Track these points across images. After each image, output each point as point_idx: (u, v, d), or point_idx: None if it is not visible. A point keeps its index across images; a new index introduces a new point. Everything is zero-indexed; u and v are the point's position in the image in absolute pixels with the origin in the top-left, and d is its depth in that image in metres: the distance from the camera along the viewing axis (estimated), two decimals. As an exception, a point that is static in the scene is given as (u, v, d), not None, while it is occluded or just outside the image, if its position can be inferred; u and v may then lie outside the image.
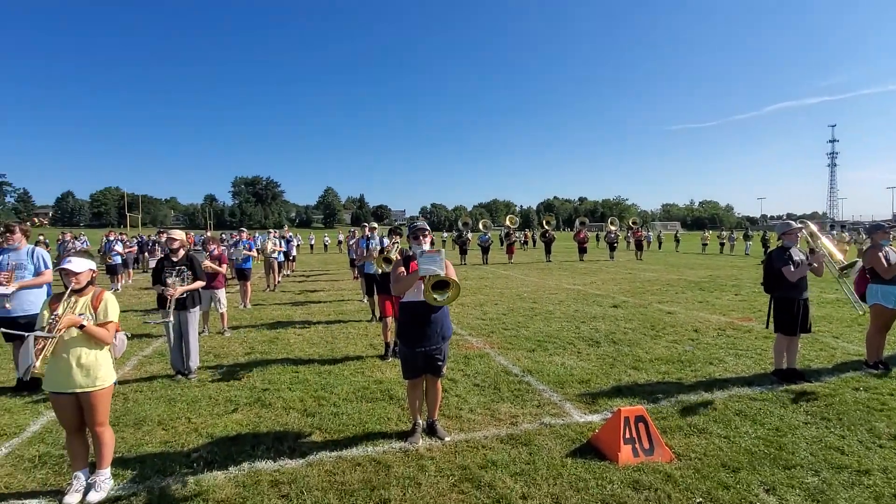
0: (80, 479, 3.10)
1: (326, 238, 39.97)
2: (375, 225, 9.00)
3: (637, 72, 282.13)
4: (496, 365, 5.91)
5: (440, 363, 3.83)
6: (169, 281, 5.37)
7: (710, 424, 4.06)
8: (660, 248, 36.11)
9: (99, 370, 3.06)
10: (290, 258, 17.83)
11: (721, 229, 57.19)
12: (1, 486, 3.22)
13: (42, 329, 2.92)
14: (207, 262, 7.22)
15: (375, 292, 7.21)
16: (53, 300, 3.07)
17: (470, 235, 24.38)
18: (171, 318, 5.40)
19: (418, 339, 3.72)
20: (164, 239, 12.38)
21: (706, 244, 33.09)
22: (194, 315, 5.65)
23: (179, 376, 5.45)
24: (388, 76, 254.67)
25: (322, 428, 4.11)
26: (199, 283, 5.63)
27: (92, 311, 3.07)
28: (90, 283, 3.16)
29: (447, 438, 3.86)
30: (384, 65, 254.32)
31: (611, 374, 5.55)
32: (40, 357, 2.83)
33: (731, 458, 3.47)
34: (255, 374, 5.62)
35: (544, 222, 25.71)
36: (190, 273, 5.54)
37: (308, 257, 29.89)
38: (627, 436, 3.45)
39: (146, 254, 18.63)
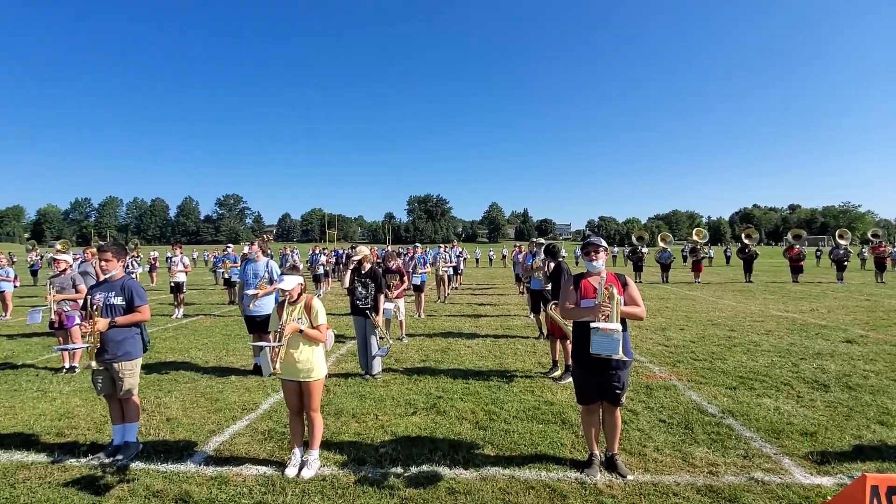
0: (296, 455, 3.68)
1: (492, 252, 41.22)
2: (542, 241, 8.85)
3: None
4: (686, 400, 5.16)
5: (619, 391, 3.47)
6: (361, 291, 6.12)
7: None
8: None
9: (314, 364, 3.66)
10: (459, 272, 18.77)
11: None
12: (242, 452, 3.99)
13: (274, 333, 3.59)
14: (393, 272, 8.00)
15: (543, 309, 7.04)
16: (279, 307, 3.74)
17: (646, 250, 22.26)
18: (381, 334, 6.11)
19: (594, 362, 3.44)
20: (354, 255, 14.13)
21: None
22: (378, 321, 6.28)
23: (368, 376, 6.11)
24: (550, 85, 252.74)
25: (493, 443, 4.10)
26: (381, 296, 6.21)
27: (306, 316, 3.66)
28: (301, 293, 3.75)
29: (629, 477, 3.47)
30: (543, 78, 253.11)
31: (846, 427, 4.35)
32: (276, 361, 3.49)
33: None
34: (430, 381, 5.96)
35: (744, 236, 21.80)
36: (373, 284, 6.18)
37: (474, 271, 31.20)
38: (879, 513, 2.59)
39: (341, 266, 21.75)
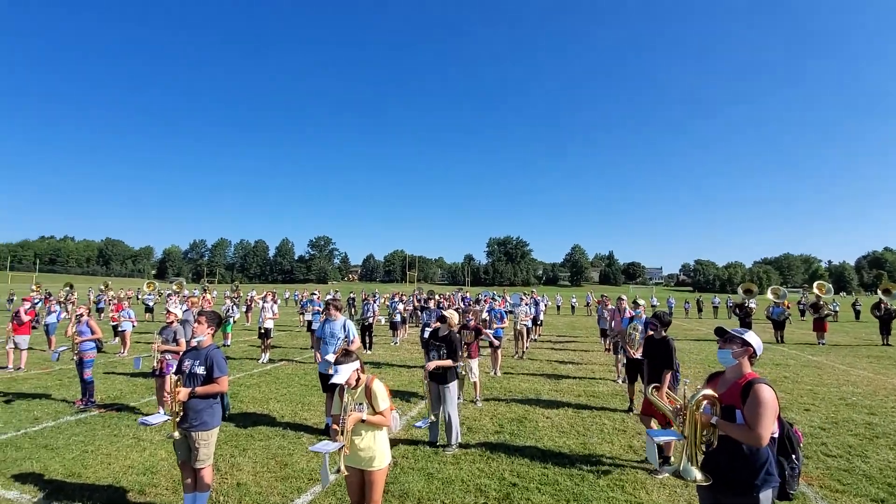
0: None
1: (574, 300, 39.34)
2: (642, 302, 8.07)
3: None
4: (823, 520, 4.14)
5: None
6: (434, 354, 5.88)
7: None
8: None
9: (378, 451, 3.43)
10: (538, 322, 17.91)
11: None
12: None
13: (333, 431, 3.42)
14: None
15: (640, 380, 6.28)
16: (341, 390, 3.56)
17: (754, 304, 19.75)
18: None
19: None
20: (430, 303, 13.91)
21: None
22: (452, 389, 5.94)
23: (440, 448, 5.75)
24: (632, 117, 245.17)
25: (575, 560, 3.51)
26: (448, 362, 5.89)
27: (366, 401, 3.47)
28: (359, 378, 3.54)
29: None
30: (622, 124, 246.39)
31: None
32: (341, 460, 3.33)
33: None
34: (504, 460, 5.45)
35: (881, 291, 18.33)
36: (447, 351, 5.88)
37: (555, 318, 29.78)
38: None
39: (420, 312, 21.87)
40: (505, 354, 12.82)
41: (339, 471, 3.26)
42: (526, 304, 13.88)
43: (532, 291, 18.48)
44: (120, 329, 13.43)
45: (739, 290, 21.88)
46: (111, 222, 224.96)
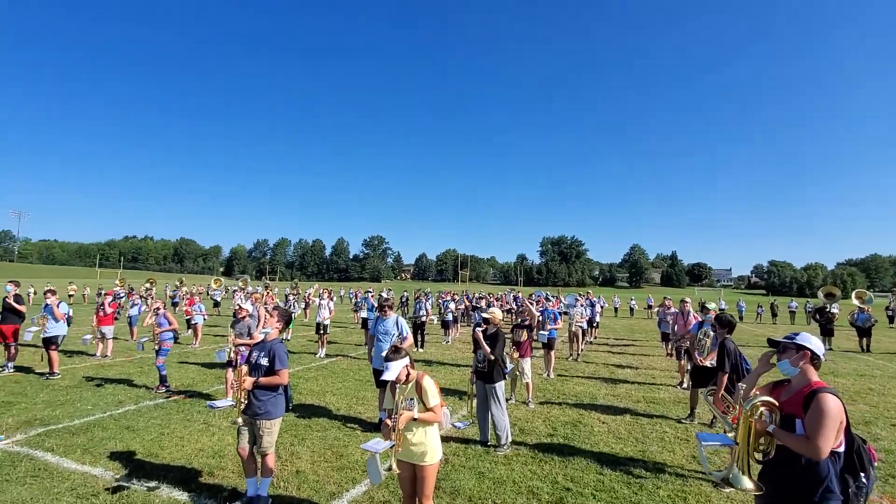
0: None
1: (633, 301, 37.68)
2: (712, 306, 7.60)
3: None
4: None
5: None
6: (481, 352, 5.84)
7: None
8: None
9: (429, 446, 3.45)
10: (594, 324, 17.36)
11: None
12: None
13: (386, 426, 3.44)
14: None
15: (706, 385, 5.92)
16: (392, 386, 3.61)
17: (836, 309, 18.05)
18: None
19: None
20: (483, 303, 13.84)
21: None
22: (498, 389, 5.87)
23: (490, 448, 5.70)
24: (700, 110, 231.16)
25: (633, 572, 3.35)
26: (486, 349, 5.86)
27: (417, 396, 3.49)
28: (408, 374, 3.56)
29: None
30: (680, 128, 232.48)
31: None
32: (393, 458, 3.35)
33: None
34: (557, 464, 5.32)
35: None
36: (490, 345, 5.85)
37: (612, 321, 28.70)
38: None
39: (471, 312, 21.83)
40: (559, 356, 12.53)
41: (389, 468, 3.29)
42: (581, 305, 13.45)
43: (588, 292, 17.86)
44: (192, 322, 14.44)
45: (820, 294, 20.14)
46: (185, 222, 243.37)
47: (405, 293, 28.29)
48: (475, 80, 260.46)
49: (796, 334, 2.71)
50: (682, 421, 7.10)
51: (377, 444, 3.36)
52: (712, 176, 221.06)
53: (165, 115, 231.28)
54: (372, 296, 16.21)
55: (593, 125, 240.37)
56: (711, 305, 8.34)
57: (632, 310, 36.54)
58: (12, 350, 9.50)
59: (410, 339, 6.61)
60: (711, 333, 6.88)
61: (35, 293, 31.36)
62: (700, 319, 7.80)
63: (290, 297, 19.28)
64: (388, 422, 3.40)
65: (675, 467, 5.31)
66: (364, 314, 15.05)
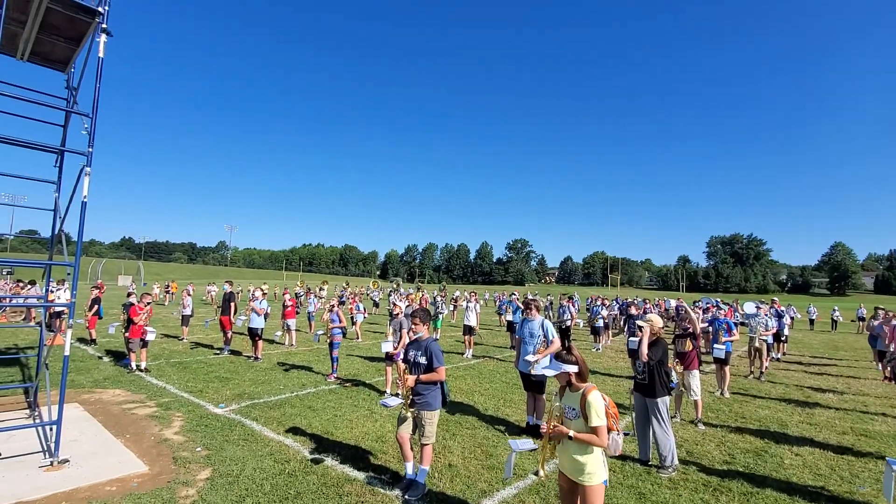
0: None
1: (836, 312, 30.72)
2: None
3: None
4: None
5: None
6: (640, 363, 5.32)
7: None
8: None
9: (587, 466, 3.14)
10: (782, 339, 14.62)
11: None
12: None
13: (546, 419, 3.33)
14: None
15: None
16: (561, 388, 3.44)
17: None
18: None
19: None
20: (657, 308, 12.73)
21: None
22: (662, 404, 5.28)
23: (651, 468, 5.18)
24: None
25: None
26: (659, 376, 5.25)
27: (580, 410, 3.19)
28: (570, 382, 3.34)
29: None
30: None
31: None
32: (541, 465, 3.27)
33: None
34: (736, 496, 4.58)
35: None
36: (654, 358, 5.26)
37: (807, 335, 23.72)
38: None
39: (627, 319, 20.26)
40: (735, 374, 10.87)
41: (537, 473, 3.19)
42: (765, 315, 11.40)
43: (773, 300, 15.12)
44: (354, 320, 16.23)
45: None
46: (348, 231, 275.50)
47: (549, 297, 27.64)
48: (623, 85, 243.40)
49: None
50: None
51: (523, 443, 3.34)
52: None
53: (335, 146, 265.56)
54: (516, 298, 16.18)
55: (759, 110, 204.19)
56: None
57: (834, 322, 29.72)
58: (228, 335, 11.90)
59: (558, 343, 6.38)
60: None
61: (241, 291, 38.96)
62: None
63: (439, 299, 20.35)
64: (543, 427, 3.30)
65: (912, 525, 4.12)
66: (509, 317, 15.11)
